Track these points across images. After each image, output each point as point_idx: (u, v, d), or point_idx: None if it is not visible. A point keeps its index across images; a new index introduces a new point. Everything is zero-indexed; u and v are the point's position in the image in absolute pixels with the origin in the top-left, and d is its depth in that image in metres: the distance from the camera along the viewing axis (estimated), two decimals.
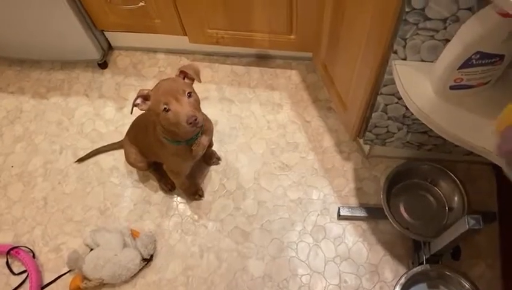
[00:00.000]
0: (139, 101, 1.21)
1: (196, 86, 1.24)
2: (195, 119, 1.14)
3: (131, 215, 1.64)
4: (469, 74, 0.98)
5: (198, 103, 1.23)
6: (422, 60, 1.10)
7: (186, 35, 1.75)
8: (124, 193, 1.68)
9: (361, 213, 1.56)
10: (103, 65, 1.92)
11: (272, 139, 1.74)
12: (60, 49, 1.84)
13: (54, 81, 1.93)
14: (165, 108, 1.15)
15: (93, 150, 1.74)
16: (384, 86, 1.22)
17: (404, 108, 1.30)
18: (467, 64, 0.95)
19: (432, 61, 1.09)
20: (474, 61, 0.94)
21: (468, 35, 0.90)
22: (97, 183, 1.70)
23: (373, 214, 1.56)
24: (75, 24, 1.69)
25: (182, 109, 1.14)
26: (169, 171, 1.49)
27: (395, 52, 1.09)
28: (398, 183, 1.51)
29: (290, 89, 1.84)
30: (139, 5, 1.62)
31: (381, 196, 1.45)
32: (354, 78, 1.37)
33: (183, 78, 1.25)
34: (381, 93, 1.25)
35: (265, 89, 1.85)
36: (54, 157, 1.76)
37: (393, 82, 1.17)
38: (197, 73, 1.26)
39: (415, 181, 1.52)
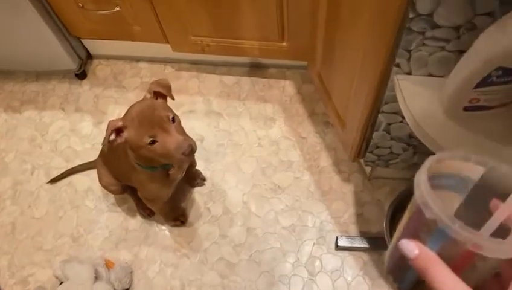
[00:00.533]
0: (113, 136, 1.02)
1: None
2: (191, 149, 1.00)
3: (106, 244, 1.48)
4: (487, 94, 0.80)
5: (180, 124, 1.07)
6: (431, 75, 0.92)
7: (168, 43, 1.59)
8: (99, 218, 1.52)
9: (362, 243, 1.38)
10: (81, 76, 1.77)
11: (263, 158, 1.57)
12: (33, 59, 1.69)
13: (28, 93, 1.78)
14: (152, 141, 0.98)
15: (67, 170, 1.59)
16: (386, 103, 1.04)
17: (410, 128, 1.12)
18: (485, 82, 0.77)
19: (442, 76, 0.91)
20: (494, 78, 0.76)
21: (488, 47, 0.72)
22: (70, 207, 1.55)
23: (375, 244, 1.38)
24: (45, 32, 1.54)
25: (172, 140, 0.99)
26: (144, 199, 1.33)
27: (398, 66, 0.91)
28: (403, 209, 1.32)
29: (284, 102, 1.67)
30: (115, 10, 1.47)
31: (384, 225, 1.27)
32: (352, 93, 1.19)
33: (157, 99, 1.08)
34: (382, 112, 1.08)
35: (257, 102, 1.68)
36: (24, 177, 1.61)
37: (396, 99, 0.99)
38: (169, 89, 1.09)
39: None
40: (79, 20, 1.56)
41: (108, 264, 1.43)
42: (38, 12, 1.47)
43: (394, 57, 0.90)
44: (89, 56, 1.81)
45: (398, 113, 1.07)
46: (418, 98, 0.92)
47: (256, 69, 1.74)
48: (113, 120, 1.00)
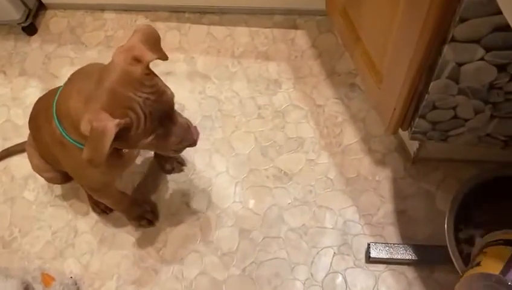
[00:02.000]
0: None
1: None
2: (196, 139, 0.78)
3: (47, 250, 1.11)
4: None
5: None
6: None
7: None
8: (40, 215, 1.15)
9: (406, 254, 0.98)
10: (30, 30, 1.38)
11: (264, 133, 1.17)
12: None
13: None
14: (160, 135, 0.72)
15: (3, 150, 1.23)
16: (462, 21, 0.61)
17: (496, 69, 0.69)
18: None
19: None
20: None
21: None
22: (3, 200, 1.18)
23: (426, 255, 0.98)
24: None
25: (176, 131, 0.74)
26: (87, 189, 0.93)
27: None
28: (472, 206, 0.90)
29: (293, 59, 1.25)
30: None
31: (446, 228, 0.86)
32: (396, 20, 0.76)
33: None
34: (452, 40, 0.65)
35: (257, 59, 1.27)
36: None
37: (483, 11, 0.56)
38: (159, 44, 0.72)
39: (501, 203, 0.91)
40: None
41: (46, 280, 1.05)
42: None
43: None
44: (41, 6, 1.42)
45: (481, 40, 0.65)
46: None
47: (256, 16, 1.32)
48: (100, 119, 0.63)
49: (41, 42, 1.38)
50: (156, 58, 0.69)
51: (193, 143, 0.76)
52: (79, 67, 0.85)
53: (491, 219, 0.93)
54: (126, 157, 0.85)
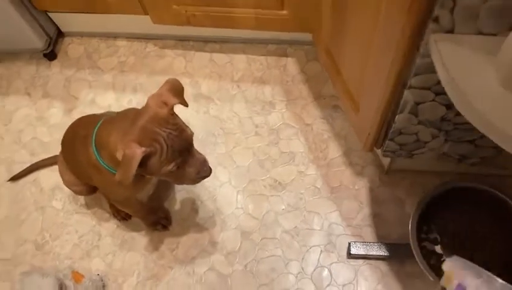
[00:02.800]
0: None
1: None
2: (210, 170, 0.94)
3: (75, 252, 1.26)
4: None
5: None
6: (481, 33, 0.68)
7: (147, 14, 1.34)
8: (67, 222, 1.30)
9: (380, 251, 1.15)
10: (50, 56, 1.53)
11: (261, 149, 1.34)
12: None
13: None
14: (179, 164, 0.87)
15: (32, 165, 1.37)
16: (416, 75, 0.80)
17: (445, 108, 0.88)
18: None
19: (495, 34, 0.67)
20: None
21: None
22: (35, 208, 1.33)
23: (397, 251, 1.16)
24: (5, 5, 1.32)
25: (194, 162, 0.90)
26: (114, 202, 1.10)
27: (436, 20, 0.67)
28: (433, 210, 1.09)
29: (285, 83, 1.42)
30: None
31: (410, 229, 1.05)
32: (369, 66, 0.95)
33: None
34: (410, 87, 0.84)
35: (253, 83, 1.44)
36: None
37: (429, 69, 0.76)
38: (182, 94, 0.90)
39: (457, 208, 1.11)
40: None
41: (77, 278, 1.21)
42: None
43: (431, 8, 0.66)
44: (60, 34, 1.57)
45: (431, 88, 0.83)
46: (463, 64, 0.67)
47: (252, 45, 1.49)
48: (131, 147, 0.79)
49: (61, 67, 1.54)
50: (178, 103, 0.87)
51: (208, 175, 0.93)
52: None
53: (448, 220, 1.13)
54: (146, 180, 1.02)
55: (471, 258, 1.07)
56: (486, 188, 1.08)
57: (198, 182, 0.94)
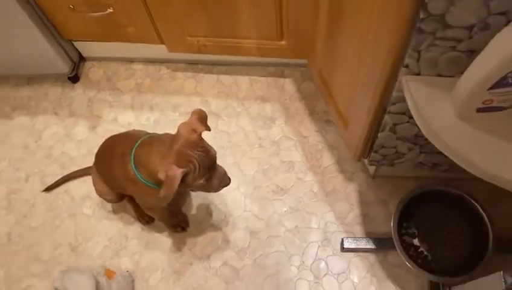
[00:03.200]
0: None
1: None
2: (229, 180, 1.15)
3: (106, 252, 1.44)
4: (502, 95, 0.78)
5: None
6: (440, 75, 0.89)
7: (163, 43, 1.54)
8: (97, 226, 1.48)
9: (369, 245, 1.36)
10: (74, 79, 1.72)
11: (265, 159, 1.54)
12: (24, 63, 1.63)
13: (20, 98, 1.73)
14: (207, 178, 1.08)
15: (63, 177, 1.55)
16: (393, 104, 1.01)
17: (417, 128, 1.08)
18: (500, 84, 0.74)
19: (453, 76, 0.88)
20: (510, 80, 0.73)
21: (505, 49, 0.69)
22: (67, 215, 1.51)
23: (382, 245, 1.36)
24: (36, 35, 1.49)
25: (217, 175, 1.11)
26: (143, 207, 1.30)
27: (406, 67, 0.88)
28: (411, 209, 1.30)
29: (283, 101, 1.63)
30: (107, 12, 1.41)
31: (392, 226, 1.25)
32: (356, 92, 1.16)
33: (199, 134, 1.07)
34: (389, 112, 1.05)
35: (256, 101, 1.64)
36: (18, 186, 1.56)
37: (403, 100, 0.96)
38: (206, 121, 1.10)
39: (431, 207, 1.32)
40: (70, 22, 1.51)
41: (109, 274, 1.39)
42: (28, 15, 1.41)
43: (403, 58, 0.87)
44: (81, 58, 1.76)
45: (405, 113, 1.04)
46: (427, 99, 0.89)
47: (254, 67, 1.69)
48: (172, 169, 0.99)
49: (84, 88, 1.72)
50: (205, 130, 1.07)
51: (228, 184, 1.13)
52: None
53: (424, 218, 1.33)
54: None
55: (442, 249, 1.29)
56: (456, 191, 1.28)
57: (220, 190, 1.13)
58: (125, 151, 1.15)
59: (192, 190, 1.49)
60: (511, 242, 1.32)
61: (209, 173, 1.07)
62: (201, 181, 1.05)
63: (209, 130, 1.09)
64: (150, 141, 1.12)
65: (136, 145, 1.13)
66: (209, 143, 1.50)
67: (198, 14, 1.38)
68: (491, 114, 0.83)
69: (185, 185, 1.04)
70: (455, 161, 0.86)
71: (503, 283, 0.81)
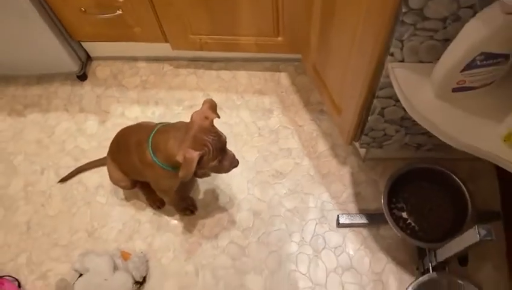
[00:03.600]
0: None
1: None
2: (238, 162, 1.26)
3: (120, 236, 1.56)
4: (472, 76, 0.92)
5: None
6: (421, 61, 1.03)
7: (167, 42, 1.66)
8: (111, 213, 1.60)
9: (362, 220, 1.50)
10: (82, 77, 1.83)
11: (264, 146, 1.67)
12: (35, 63, 1.74)
13: (31, 97, 1.83)
14: (220, 160, 1.20)
15: (76, 168, 1.66)
16: (381, 89, 1.15)
17: (403, 110, 1.23)
18: (470, 66, 0.88)
19: (431, 62, 1.02)
20: (478, 62, 0.87)
21: (472, 36, 0.83)
22: (83, 204, 1.62)
23: (374, 220, 1.50)
24: (49, 36, 1.60)
25: (228, 157, 1.23)
26: (157, 190, 1.41)
27: (392, 55, 1.02)
28: (399, 186, 1.44)
29: (279, 93, 1.76)
30: (117, 13, 1.53)
31: (382, 201, 1.39)
32: (347, 81, 1.29)
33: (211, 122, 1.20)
34: (377, 97, 1.18)
35: (254, 94, 1.77)
36: (35, 178, 1.67)
37: (390, 85, 1.10)
38: (216, 108, 1.23)
39: (417, 183, 1.46)
40: (80, 24, 1.62)
41: (125, 256, 1.50)
42: (42, 17, 1.52)
43: (388, 47, 1.01)
44: (89, 58, 1.87)
45: (392, 97, 1.18)
46: (411, 83, 1.02)
47: (251, 63, 1.82)
48: (190, 152, 1.11)
49: (92, 86, 1.84)
50: (215, 117, 1.19)
51: (237, 165, 1.25)
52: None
53: (411, 193, 1.47)
54: None
55: (427, 220, 1.44)
56: (439, 168, 1.40)
57: (230, 170, 1.25)
58: (141, 139, 1.27)
59: (199, 177, 1.62)
60: (487, 213, 1.47)
61: (221, 155, 1.19)
62: (214, 163, 1.18)
63: (219, 117, 1.21)
64: (166, 128, 1.24)
65: (152, 133, 1.25)
66: None
67: (202, 13, 1.50)
68: (465, 93, 0.97)
69: (201, 167, 1.16)
70: (436, 134, 1.00)
71: (478, 235, 0.95)
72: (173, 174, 1.26)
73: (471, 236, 0.98)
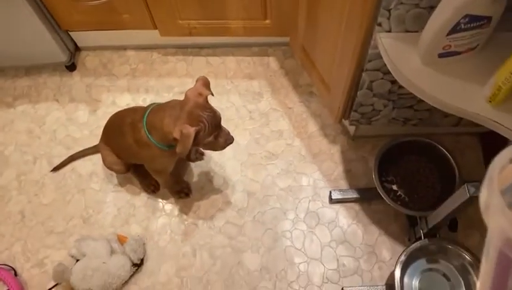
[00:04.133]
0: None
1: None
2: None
3: (116, 221, 1.57)
4: (457, 40, 0.96)
5: None
6: (407, 31, 1.07)
7: (156, 28, 1.68)
8: (106, 199, 1.60)
9: (353, 195, 1.54)
10: (71, 67, 1.83)
11: (256, 129, 1.70)
12: (23, 54, 1.74)
13: (20, 88, 1.83)
14: (215, 136, 1.21)
15: (69, 157, 1.66)
16: (369, 61, 1.19)
17: (390, 83, 1.27)
18: (455, 29, 0.93)
19: (417, 31, 1.07)
20: (462, 25, 0.92)
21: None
22: (77, 191, 1.62)
23: (365, 194, 1.54)
24: (37, 26, 1.60)
25: (224, 134, 1.24)
26: (152, 171, 1.43)
27: (379, 25, 1.06)
28: (388, 160, 1.49)
29: (268, 77, 1.79)
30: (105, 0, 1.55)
31: (373, 175, 1.43)
32: (336, 58, 1.33)
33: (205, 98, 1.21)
34: (366, 70, 1.22)
35: (244, 79, 1.80)
36: (27, 168, 1.67)
37: (378, 57, 1.14)
38: (209, 85, 1.25)
39: (406, 157, 1.51)
40: (69, 12, 1.62)
41: (121, 239, 1.51)
42: (30, 6, 1.52)
43: (376, 17, 1.05)
44: (77, 48, 1.87)
45: (380, 69, 1.22)
46: (398, 52, 1.06)
47: (239, 48, 1.85)
48: (186, 128, 1.12)
49: (81, 76, 1.84)
50: (209, 94, 1.21)
51: (232, 142, 1.26)
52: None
53: (401, 166, 1.52)
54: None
55: (417, 192, 1.48)
56: (427, 140, 1.45)
57: (225, 147, 1.27)
58: (135, 119, 1.29)
59: (193, 160, 1.64)
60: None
61: (216, 131, 1.22)
62: (210, 138, 1.20)
63: (213, 94, 1.23)
64: (160, 107, 1.26)
65: (147, 113, 1.26)
66: None
67: None
68: (450, 59, 1.02)
69: (197, 143, 1.18)
70: (425, 99, 1.04)
71: (467, 193, 0.99)
72: (169, 153, 1.28)
73: (461, 195, 1.03)
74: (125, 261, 1.44)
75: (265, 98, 1.75)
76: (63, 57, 1.76)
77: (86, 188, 1.63)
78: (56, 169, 1.66)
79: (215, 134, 1.21)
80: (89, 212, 1.59)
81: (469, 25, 0.92)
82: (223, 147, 1.27)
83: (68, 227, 1.56)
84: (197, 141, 1.17)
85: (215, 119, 1.20)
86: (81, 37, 1.83)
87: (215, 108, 1.22)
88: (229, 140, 1.27)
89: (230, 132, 1.26)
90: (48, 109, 1.77)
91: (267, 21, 1.61)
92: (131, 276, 1.46)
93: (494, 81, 0.94)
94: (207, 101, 1.21)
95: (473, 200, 1.01)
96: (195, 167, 1.64)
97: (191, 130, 1.13)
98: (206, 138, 1.19)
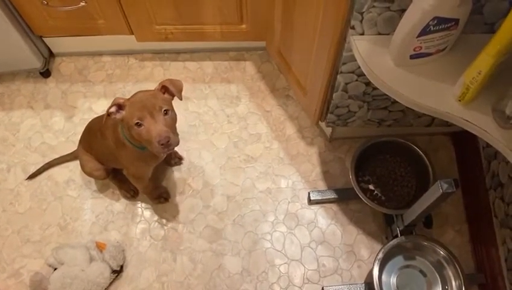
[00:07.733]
0: (113, 109, 1.13)
1: (150, 85, 1.19)
2: (168, 141, 1.09)
3: (94, 228, 1.55)
4: (427, 41, 1.00)
5: (175, 122, 1.18)
6: (380, 34, 1.11)
7: (132, 34, 1.68)
8: (83, 206, 1.58)
9: (331, 195, 1.56)
10: (46, 74, 1.80)
11: (234, 133, 1.71)
12: None
13: None
14: (138, 122, 1.10)
15: (45, 164, 1.63)
16: (344, 64, 1.22)
17: (364, 85, 1.31)
18: (425, 31, 0.96)
19: (389, 34, 1.10)
20: (431, 27, 0.95)
21: (425, 1, 0.91)
22: (53, 199, 1.60)
23: (343, 195, 1.56)
24: (10, 31, 1.57)
25: (155, 127, 1.09)
26: (130, 176, 1.42)
27: (353, 28, 1.09)
28: (364, 161, 1.52)
29: (246, 81, 1.81)
30: (80, 5, 1.53)
31: (350, 175, 1.45)
32: (312, 61, 1.36)
33: (164, 93, 1.18)
34: (341, 72, 1.25)
35: (221, 83, 1.81)
36: (1, 176, 1.63)
37: (352, 59, 1.17)
38: (179, 90, 1.20)
39: (381, 157, 1.54)
40: (43, 18, 1.60)
41: (100, 246, 1.49)
42: (3, 12, 1.50)
43: (349, 20, 1.08)
44: (51, 54, 1.85)
45: (354, 72, 1.25)
46: (372, 54, 1.10)
47: (216, 53, 1.86)
48: (118, 97, 1.12)
49: (56, 82, 1.81)
50: (173, 93, 1.17)
51: (165, 144, 1.09)
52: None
53: (376, 166, 1.55)
54: (156, 158, 1.35)
55: (393, 191, 1.52)
56: (400, 140, 1.49)
57: (164, 151, 1.12)
58: (115, 122, 1.27)
59: (171, 165, 1.63)
60: None
61: (144, 118, 1.09)
62: (134, 120, 1.09)
63: (180, 99, 1.20)
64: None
65: None
66: (182, 123, 1.64)
67: (166, 2, 1.53)
68: (421, 60, 1.06)
69: (126, 124, 1.14)
70: (398, 99, 1.07)
71: (440, 189, 1.03)
72: (145, 156, 1.28)
73: (434, 191, 1.06)
74: (105, 268, 1.42)
75: (243, 102, 1.76)
76: (37, 64, 1.73)
77: (62, 195, 1.60)
78: (31, 177, 1.63)
79: (140, 117, 1.09)
80: (67, 219, 1.56)
81: (438, 27, 0.96)
82: (157, 148, 1.10)
83: (45, 235, 1.54)
84: (123, 119, 1.14)
85: (148, 100, 1.10)
86: (56, 43, 1.81)
87: (166, 103, 1.14)
88: (163, 140, 1.08)
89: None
90: (22, 117, 1.74)
91: (243, 25, 1.63)
92: (111, 283, 1.44)
93: (462, 81, 0.98)
94: (163, 92, 1.17)
95: (446, 196, 1.05)
96: (174, 172, 1.64)
97: (118, 100, 1.12)
98: (128, 118, 1.11)
